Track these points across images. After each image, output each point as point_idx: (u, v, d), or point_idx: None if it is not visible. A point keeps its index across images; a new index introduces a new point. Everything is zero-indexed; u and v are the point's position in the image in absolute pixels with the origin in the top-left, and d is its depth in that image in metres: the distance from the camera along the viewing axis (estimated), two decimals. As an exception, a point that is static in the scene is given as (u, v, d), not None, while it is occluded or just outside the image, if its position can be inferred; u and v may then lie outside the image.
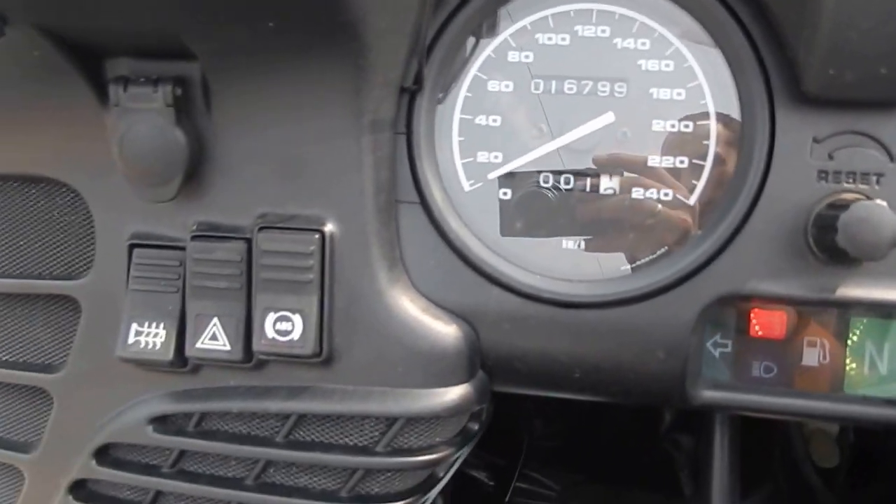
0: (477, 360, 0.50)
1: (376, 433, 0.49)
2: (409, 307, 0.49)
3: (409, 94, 0.50)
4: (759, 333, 0.51)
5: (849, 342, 0.50)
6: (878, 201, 0.43)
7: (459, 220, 0.50)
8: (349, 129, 0.47)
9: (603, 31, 0.50)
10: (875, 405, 0.50)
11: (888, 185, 0.46)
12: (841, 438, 0.82)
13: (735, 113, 0.48)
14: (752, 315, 0.51)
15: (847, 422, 0.52)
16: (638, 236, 0.50)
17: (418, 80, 0.49)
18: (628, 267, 0.50)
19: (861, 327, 0.50)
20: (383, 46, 0.44)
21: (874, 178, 0.46)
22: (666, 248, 0.49)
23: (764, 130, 0.47)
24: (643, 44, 0.50)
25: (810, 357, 0.51)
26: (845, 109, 0.46)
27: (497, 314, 0.50)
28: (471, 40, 0.51)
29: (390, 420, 0.48)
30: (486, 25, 0.51)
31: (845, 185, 0.46)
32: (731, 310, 0.51)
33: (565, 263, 0.51)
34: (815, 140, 0.47)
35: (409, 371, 0.48)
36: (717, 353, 0.52)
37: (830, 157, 0.46)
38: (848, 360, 0.50)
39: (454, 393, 0.48)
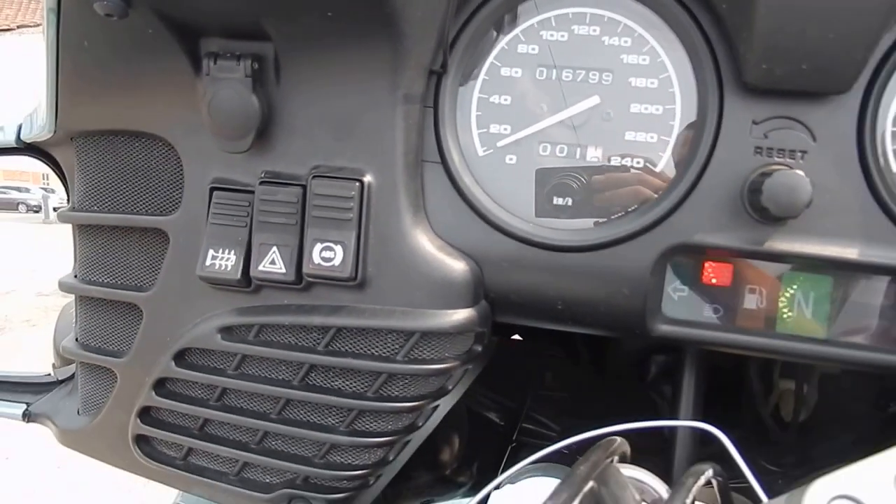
0: (481, 290, 0.62)
1: (397, 345, 0.61)
2: (428, 245, 0.61)
3: (437, 75, 0.62)
4: (710, 282, 0.62)
5: (781, 290, 0.61)
6: (797, 171, 0.54)
7: (472, 178, 0.63)
8: (387, 101, 0.59)
9: (594, 31, 0.62)
10: (800, 341, 0.61)
11: (810, 160, 0.57)
12: (807, 397, 0.93)
13: (694, 99, 0.60)
14: (705, 266, 0.62)
15: (777, 355, 0.62)
16: (614, 196, 0.62)
17: (444, 66, 0.61)
18: (604, 221, 0.62)
19: (791, 277, 0.61)
20: (416, 36, 0.57)
21: (799, 154, 0.57)
22: (635, 206, 0.61)
23: (713, 113, 0.58)
24: (626, 42, 0.62)
25: (750, 301, 0.62)
26: (778, 97, 0.57)
27: (498, 255, 0.62)
28: (489, 34, 0.64)
29: (409, 334, 0.61)
30: (503, 22, 0.64)
31: (776, 158, 0.57)
32: (689, 262, 0.62)
33: (557, 216, 0.63)
34: (754, 122, 0.58)
35: (425, 295, 0.60)
36: (676, 296, 0.63)
37: (765, 136, 0.58)
38: (780, 305, 0.61)
39: (460, 314, 0.61)
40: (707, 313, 0.62)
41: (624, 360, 1.01)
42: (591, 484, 0.51)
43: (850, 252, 0.57)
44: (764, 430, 0.90)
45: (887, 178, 0.57)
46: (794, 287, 0.61)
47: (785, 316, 0.61)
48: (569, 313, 0.63)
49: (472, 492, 1.10)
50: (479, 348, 0.65)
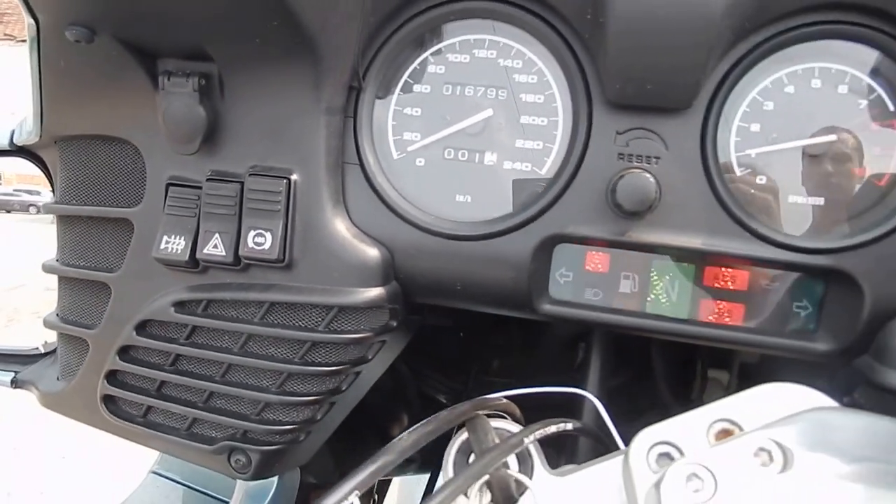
0: (391, 272, 0.73)
1: (320, 318, 0.72)
2: (345, 233, 0.72)
3: (356, 91, 0.74)
4: (591, 268, 0.73)
5: (650, 275, 0.72)
6: (645, 173, 0.65)
7: (385, 178, 0.74)
8: (311, 113, 0.71)
9: (491, 54, 0.73)
10: (665, 321, 0.71)
11: (663, 164, 0.67)
12: (728, 387, 1.03)
13: (571, 112, 0.71)
14: (587, 255, 0.73)
15: (647, 332, 0.71)
16: (505, 194, 0.73)
17: (361, 83, 0.73)
18: (496, 215, 0.72)
19: (659, 265, 0.71)
20: (333, 59, 0.68)
21: (654, 160, 0.68)
22: (524, 202, 0.72)
23: (584, 125, 0.69)
24: (518, 63, 0.73)
25: (625, 286, 0.72)
26: (637, 111, 0.68)
27: (405, 242, 0.73)
28: (403, 56, 0.75)
29: (329, 308, 0.72)
30: (415, 46, 0.75)
31: (635, 163, 0.68)
32: (573, 251, 0.72)
33: (457, 211, 0.74)
34: (618, 132, 0.68)
35: (342, 275, 0.71)
36: (562, 281, 0.74)
37: (627, 144, 0.68)
38: (650, 289, 0.72)
39: (372, 292, 0.72)
40: (588, 296, 0.73)
41: (555, 348, 1.11)
42: (464, 434, 0.62)
43: (695, 242, 0.67)
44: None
45: (726, 179, 0.67)
46: (662, 273, 0.71)
47: (653, 298, 0.72)
48: (467, 294, 0.73)
49: (423, 469, 1.21)
50: (395, 323, 0.75)
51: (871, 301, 0.64)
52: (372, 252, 0.72)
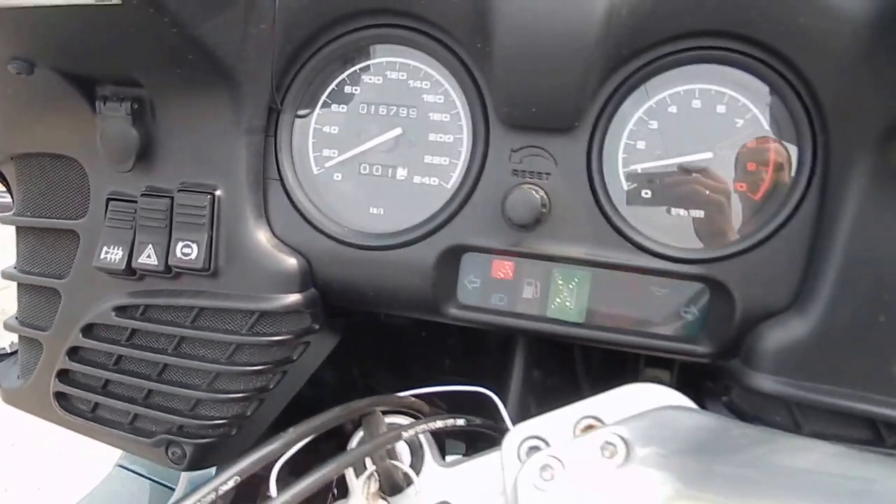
0: (308, 280, 0.79)
1: (244, 322, 0.78)
2: (266, 244, 0.78)
3: (277, 112, 0.79)
4: (498, 275, 0.78)
5: (550, 282, 0.76)
6: (531, 189, 0.70)
7: (303, 192, 0.80)
8: (232, 133, 0.76)
9: (402, 76, 0.79)
10: (562, 325, 0.76)
11: (553, 180, 0.72)
12: (669, 384, 1.07)
13: (472, 131, 0.76)
14: (493, 264, 0.78)
15: (547, 335, 0.77)
16: (414, 207, 0.78)
17: (280, 105, 0.78)
18: (404, 227, 0.78)
19: (558, 272, 0.76)
20: (249, 85, 0.74)
21: (545, 175, 0.73)
22: (429, 214, 0.77)
23: (481, 143, 0.74)
24: (426, 84, 0.78)
25: (528, 292, 0.77)
26: (530, 131, 0.73)
27: (321, 252, 0.79)
28: (321, 79, 0.80)
29: (251, 313, 0.78)
30: (333, 69, 0.80)
31: (528, 179, 0.73)
32: (481, 259, 0.78)
33: (371, 222, 0.79)
34: (513, 150, 0.73)
35: (262, 283, 0.77)
36: (470, 287, 0.79)
37: (521, 161, 0.73)
38: (549, 294, 0.77)
39: (290, 298, 0.77)
40: (494, 301, 0.78)
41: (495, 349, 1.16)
42: (360, 434, 0.67)
43: (582, 252, 0.72)
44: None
45: (611, 193, 0.72)
46: (561, 280, 0.76)
47: (553, 303, 0.77)
48: (379, 299, 0.79)
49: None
50: (316, 326, 0.81)
51: (742, 308, 0.69)
52: (290, 261, 0.77)
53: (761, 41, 0.66)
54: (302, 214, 0.79)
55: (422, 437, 0.69)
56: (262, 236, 0.78)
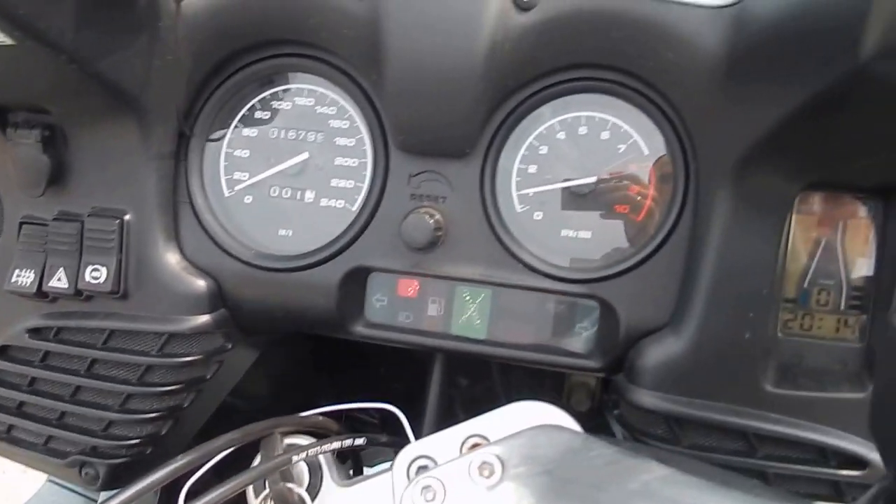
0: (218, 301, 0.81)
1: (154, 344, 0.80)
2: (176, 266, 0.80)
3: (187, 137, 0.81)
4: (403, 294, 0.81)
5: (454, 300, 0.79)
6: (425, 214, 0.73)
7: (213, 215, 0.82)
8: (141, 159, 0.78)
9: (310, 102, 0.82)
10: (466, 342, 0.78)
11: (449, 203, 0.76)
12: (594, 389, 1.11)
13: (373, 156, 0.79)
14: (399, 283, 0.80)
15: (452, 352, 0.80)
16: (321, 229, 0.80)
17: (191, 130, 0.81)
18: (310, 249, 0.80)
19: (461, 290, 0.78)
20: (157, 112, 0.76)
21: (442, 199, 0.76)
22: (334, 237, 0.80)
23: (382, 168, 0.77)
24: (332, 110, 0.81)
25: (432, 309, 0.80)
26: (427, 156, 0.76)
27: (230, 274, 0.81)
28: (231, 105, 0.83)
29: (161, 335, 0.79)
30: (244, 94, 0.83)
31: (426, 203, 0.76)
32: (388, 278, 0.80)
33: (280, 244, 0.82)
34: (411, 175, 0.77)
35: (172, 305, 0.79)
36: (377, 305, 0.81)
37: (419, 185, 0.76)
38: (453, 312, 0.79)
39: (199, 320, 0.79)
40: (401, 319, 0.81)
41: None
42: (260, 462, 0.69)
43: (476, 273, 0.76)
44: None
45: (504, 216, 0.76)
46: (464, 297, 0.79)
47: (456, 321, 0.79)
48: (288, 319, 0.81)
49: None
50: (230, 345, 0.83)
51: (625, 325, 0.72)
52: (200, 283, 0.80)
53: (635, 73, 0.70)
54: (211, 237, 0.81)
55: (322, 457, 0.71)
56: (172, 259, 0.80)
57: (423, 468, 0.65)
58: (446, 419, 1.11)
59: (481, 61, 0.69)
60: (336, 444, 0.70)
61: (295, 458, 0.66)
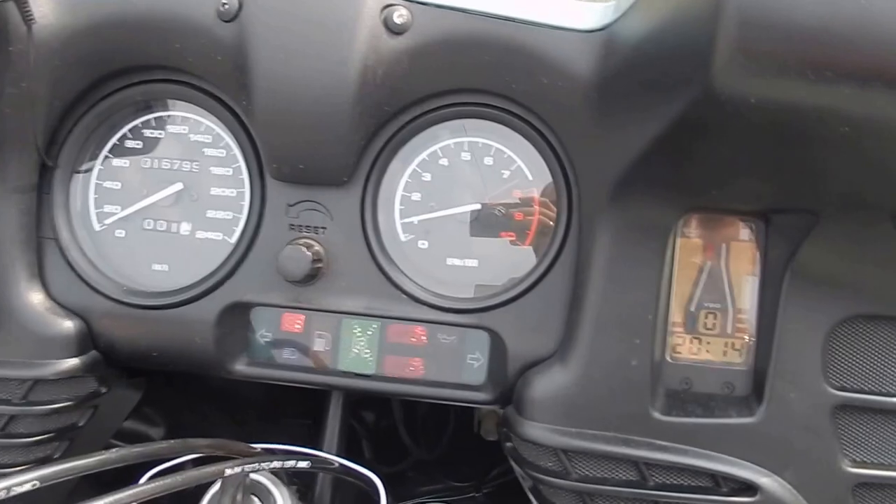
0: (88, 343, 0.75)
1: (18, 391, 0.74)
2: (39, 307, 0.74)
3: (51, 169, 0.76)
4: (287, 329, 0.77)
5: (341, 334, 0.76)
6: (301, 246, 0.69)
7: (80, 251, 0.76)
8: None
9: (183, 129, 0.77)
10: (354, 378, 0.75)
11: (329, 234, 0.72)
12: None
13: (249, 186, 0.75)
14: (283, 317, 0.77)
15: (340, 389, 0.76)
16: (198, 262, 0.76)
17: (55, 162, 0.75)
18: (186, 284, 0.76)
19: (348, 324, 0.75)
20: (12, 144, 0.71)
21: (321, 230, 0.73)
22: (210, 271, 0.75)
23: (258, 198, 0.73)
24: (207, 138, 0.77)
25: (319, 344, 0.76)
26: (305, 185, 0.72)
27: (100, 313, 0.75)
28: (99, 134, 0.78)
29: (24, 381, 0.74)
30: (112, 122, 0.78)
31: (304, 233, 0.73)
32: (272, 313, 0.76)
33: (154, 279, 0.77)
34: (289, 205, 0.73)
35: (36, 348, 0.73)
36: (262, 341, 0.77)
37: (297, 215, 0.73)
38: (341, 347, 0.76)
39: (66, 364, 0.73)
40: (286, 355, 0.77)
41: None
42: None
43: (360, 306, 0.72)
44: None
45: (386, 246, 0.73)
46: (351, 331, 0.75)
47: (344, 356, 0.76)
48: (164, 359, 0.76)
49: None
50: (104, 389, 0.78)
51: (513, 355, 0.70)
52: (66, 324, 0.74)
53: (512, 97, 0.68)
54: (78, 274, 0.76)
55: (280, 498, 0.66)
56: (35, 299, 0.74)
57: None
58: (352, 455, 1.08)
59: (353, 86, 0.66)
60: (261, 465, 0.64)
61: (229, 472, 0.60)
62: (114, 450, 0.55)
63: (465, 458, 1.13)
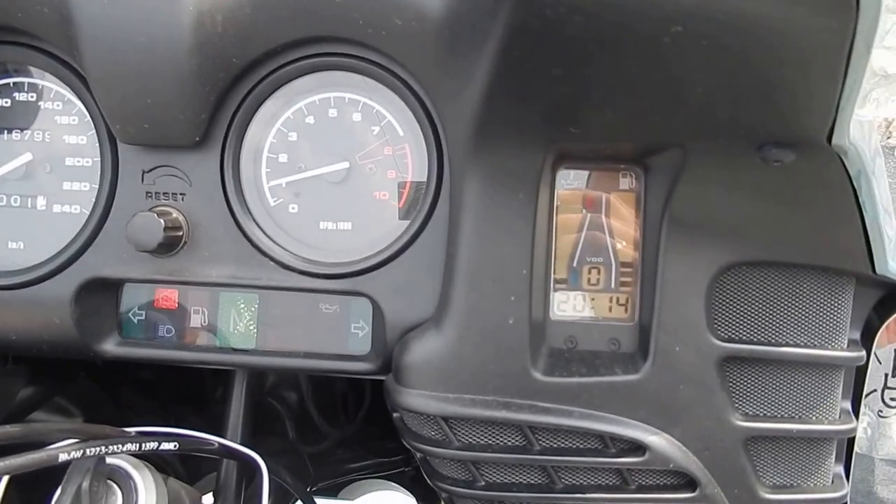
0: None
1: None
2: None
3: None
4: (161, 305, 0.72)
5: (219, 308, 0.71)
6: (151, 213, 0.65)
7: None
8: None
9: (32, 97, 0.72)
10: (234, 353, 0.71)
11: (189, 201, 0.68)
12: None
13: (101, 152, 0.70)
14: (156, 292, 0.72)
15: (220, 366, 0.72)
16: (54, 238, 0.71)
17: None
18: (40, 261, 0.70)
19: (226, 297, 0.70)
20: None
21: (180, 196, 0.68)
22: (65, 247, 0.70)
23: (111, 164, 0.68)
24: (58, 105, 0.71)
25: (196, 320, 0.72)
26: (161, 150, 0.67)
27: None
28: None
29: None
30: None
31: (163, 200, 0.68)
32: (142, 290, 0.72)
33: (10, 258, 0.72)
34: (145, 171, 0.68)
35: None
36: (135, 320, 0.73)
37: (154, 182, 0.68)
38: (219, 321, 0.71)
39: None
40: (161, 333, 0.72)
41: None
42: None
43: (224, 275, 0.68)
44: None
45: (252, 211, 0.68)
46: (229, 305, 0.71)
47: (222, 331, 0.71)
48: (24, 343, 0.71)
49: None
50: None
51: (390, 321, 0.66)
52: None
53: (370, 44, 0.63)
54: None
55: (142, 484, 0.61)
56: None
57: None
58: (278, 438, 1.04)
59: (187, 32, 0.61)
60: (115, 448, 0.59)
61: (63, 456, 0.55)
62: None
63: (393, 433, 1.10)
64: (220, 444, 0.72)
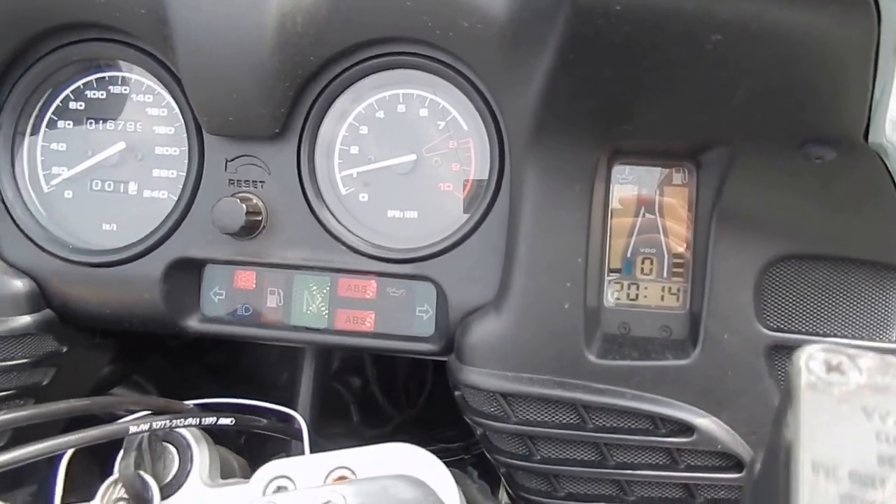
0: (39, 301, 0.77)
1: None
2: None
3: None
4: (240, 286, 0.77)
5: (293, 290, 0.76)
6: (240, 198, 0.70)
7: (27, 211, 0.77)
8: None
9: (125, 90, 0.78)
10: (307, 332, 0.76)
11: (267, 188, 0.73)
12: None
13: (188, 142, 0.75)
14: (235, 274, 0.77)
15: (293, 343, 0.77)
16: (145, 221, 0.77)
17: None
18: (130, 242, 0.77)
19: (300, 279, 0.75)
20: None
21: (259, 184, 0.73)
22: (154, 229, 0.76)
23: (198, 153, 0.74)
24: (149, 98, 0.77)
25: (272, 301, 0.77)
26: (242, 140, 0.73)
27: (50, 273, 0.77)
28: (38, 95, 0.78)
29: (-19, 338, 0.75)
30: (48, 86, 0.78)
31: (244, 188, 0.73)
32: (222, 271, 0.77)
33: (104, 239, 0.78)
34: (228, 160, 0.74)
35: (-12, 305, 0.75)
36: (216, 299, 0.78)
37: (236, 170, 0.73)
38: (293, 302, 0.76)
39: (18, 321, 0.75)
40: (240, 312, 0.78)
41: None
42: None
43: (300, 258, 0.73)
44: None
45: (325, 199, 0.73)
46: (303, 286, 0.76)
47: (296, 311, 0.77)
48: (117, 317, 0.78)
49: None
50: (65, 348, 0.79)
51: (453, 304, 0.71)
52: (16, 283, 0.75)
53: (438, 45, 0.67)
54: (26, 234, 0.77)
55: (197, 451, 0.67)
56: None
57: (281, 488, 0.62)
58: (342, 421, 1.10)
59: (270, 33, 0.66)
60: (177, 423, 0.65)
61: (133, 429, 0.61)
62: (25, 408, 0.57)
63: (452, 422, 1.14)
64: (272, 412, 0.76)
